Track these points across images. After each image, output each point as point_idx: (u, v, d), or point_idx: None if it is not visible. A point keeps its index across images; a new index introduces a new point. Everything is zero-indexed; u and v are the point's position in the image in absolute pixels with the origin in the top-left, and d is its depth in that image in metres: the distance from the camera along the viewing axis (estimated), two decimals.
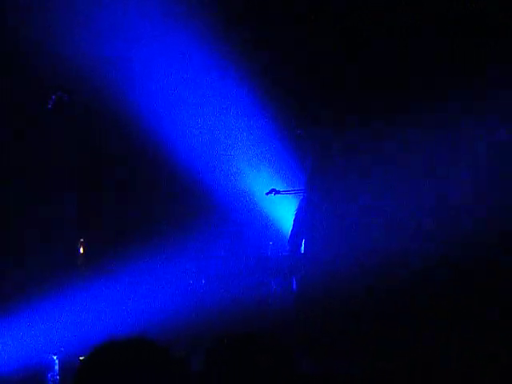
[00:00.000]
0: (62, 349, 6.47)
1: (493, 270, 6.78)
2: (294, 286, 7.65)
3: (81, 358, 5.73)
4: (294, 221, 7.81)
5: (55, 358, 6.33)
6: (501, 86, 7.14)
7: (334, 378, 4.47)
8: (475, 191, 7.26)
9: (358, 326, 6.70)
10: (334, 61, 8.05)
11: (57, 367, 6.27)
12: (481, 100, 7.17)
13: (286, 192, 8.48)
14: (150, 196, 8.57)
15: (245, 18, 8.18)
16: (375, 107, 7.75)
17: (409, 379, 4.51)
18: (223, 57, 8.22)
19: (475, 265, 6.83)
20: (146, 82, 8.27)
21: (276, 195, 8.46)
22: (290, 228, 7.87)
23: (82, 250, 8.25)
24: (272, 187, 8.48)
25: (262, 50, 8.38)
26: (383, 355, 5.95)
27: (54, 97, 7.93)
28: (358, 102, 7.86)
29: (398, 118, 7.47)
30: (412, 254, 7.09)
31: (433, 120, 7.46)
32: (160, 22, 8.11)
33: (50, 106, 7.96)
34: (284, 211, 8.48)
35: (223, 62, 8.25)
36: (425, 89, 7.47)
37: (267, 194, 8.46)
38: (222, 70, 8.35)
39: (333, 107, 8.05)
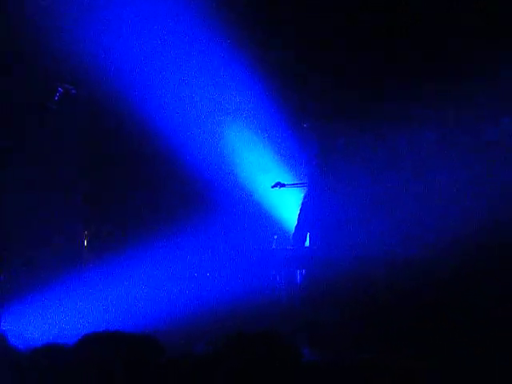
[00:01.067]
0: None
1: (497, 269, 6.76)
2: (299, 280, 7.66)
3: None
4: (299, 214, 7.81)
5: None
6: (503, 75, 7.13)
7: (337, 368, 4.48)
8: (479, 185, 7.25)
9: (363, 319, 6.70)
10: (340, 56, 8.05)
11: None
12: (484, 91, 7.16)
13: (292, 185, 8.48)
14: (154, 190, 8.58)
15: (250, 7, 8.18)
16: (380, 102, 7.75)
17: (412, 371, 4.51)
18: (229, 48, 8.22)
19: (483, 262, 6.82)
20: (150, 73, 8.28)
21: (281, 188, 8.46)
22: (295, 221, 7.88)
23: (86, 243, 8.27)
24: (278, 180, 8.48)
25: (269, 43, 8.38)
26: (388, 348, 5.95)
27: (60, 90, 7.94)
28: (363, 97, 7.86)
29: (403, 113, 7.46)
30: (419, 248, 7.08)
31: (437, 114, 7.45)
32: (161, 13, 8.13)
33: (56, 99, 7.98)
34: (289, 204, 8.48)
35: (229, 53, 8.26)
36: (428, 81, 7.46)
37: (273, 187, 8.45)
38: (228, 61, 8.35)
39: (339, 101, 8.04)
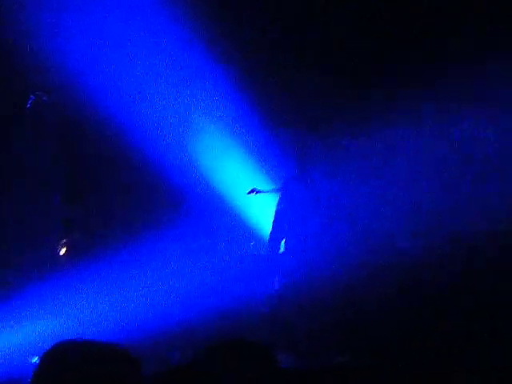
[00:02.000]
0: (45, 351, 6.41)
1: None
2: (276, 285, 7.66)
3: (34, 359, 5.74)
4: (274, 220, 7.82)
5: (37, 359, 6.28)
6: (500, 75, 7.16)
7: (314, 374, 4.51)
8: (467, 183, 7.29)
9: (340, 325, 6.73)
10: (318, 61, 8.08)
11: None
12: (481, 89, 7.16)
13: (267, 191, 8.47)
14: (130, 197, 8.56)
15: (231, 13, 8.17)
16: (359, 107, 7.78)
17: (389, 375, 4.55)
18: (207, 51, 8.20)
19: (465, 262, 6.87)
20: (124, 78, 8.24)
21: (257, 195, 8.44)
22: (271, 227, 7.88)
23: (65, 251, 8.23)
24: (253, 187, 8.46)
25: (248, 47, 8.37)
26: (366, 353, 5.98)
27: (32, 97, 7.90)
28: (339, 102, 7.90)
29: (383, 117, 7.49)
30: (397, 252, 7.12)
31: (425, 114, 7.48)
32: (133, 15, 8.10)
33: (29, 106, 7.93)
34: (266, 210, 8.47)
35: (206, 56, 8.24)
36: (416, 81, 7.45)
37: (248, 193, 8.44)
38: (205, 65, 8.33)
39: (316, 107, 8.08)
